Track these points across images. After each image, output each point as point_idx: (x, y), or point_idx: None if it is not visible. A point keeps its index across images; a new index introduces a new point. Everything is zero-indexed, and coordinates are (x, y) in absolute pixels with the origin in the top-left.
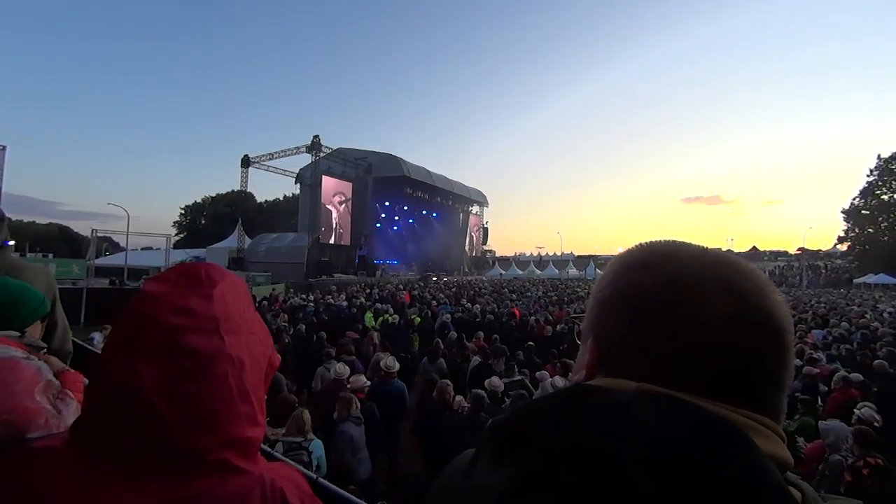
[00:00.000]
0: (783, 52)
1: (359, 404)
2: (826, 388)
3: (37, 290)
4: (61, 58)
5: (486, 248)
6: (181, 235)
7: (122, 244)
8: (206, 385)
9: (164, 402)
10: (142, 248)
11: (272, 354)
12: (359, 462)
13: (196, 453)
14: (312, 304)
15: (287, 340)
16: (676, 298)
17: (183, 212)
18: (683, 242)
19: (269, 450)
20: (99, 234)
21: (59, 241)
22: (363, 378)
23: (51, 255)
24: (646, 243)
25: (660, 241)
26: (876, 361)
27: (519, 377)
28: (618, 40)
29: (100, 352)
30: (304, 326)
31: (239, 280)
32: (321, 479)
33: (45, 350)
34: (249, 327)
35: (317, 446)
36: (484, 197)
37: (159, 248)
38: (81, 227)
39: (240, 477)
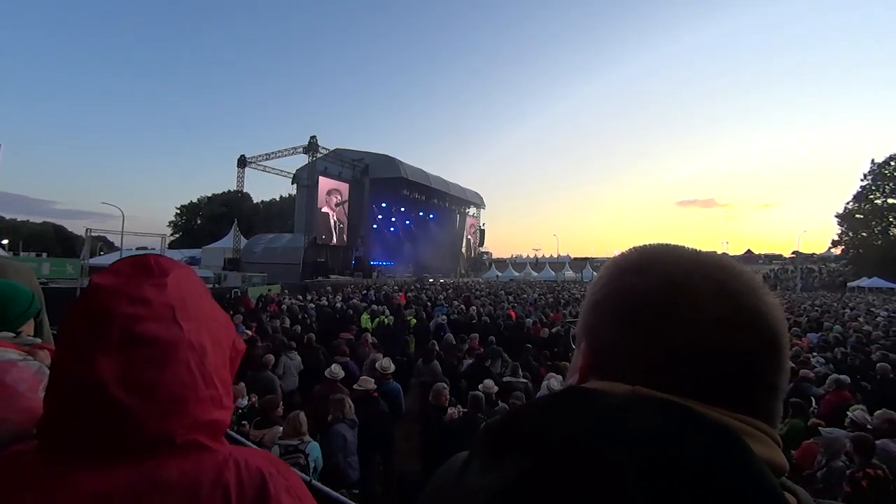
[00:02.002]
0: (778, 56)
1: (352, 405)
2: (821, 392)
3: (26, 288)
4: (56, 56)
5: (482, 249)
6: (177, 235)
7: (117, 244)
8: (168, 372)
9: (126, 392)
10: (137, 248)
11: (236, 339)
12: (348, 465)
13: (166, 439)
14: (313, 307)
15: (281, 341)
16: (669, 301)
17: (179, 212)
18: (676, 245)
19: (235, 436)
20: (93, 234)
21: (53, 240)
22: (371, 380)
23: (45, 255)
24: (638, 247)
25: (652, 245)
26: (879, 364)
27: (523, 380)
28: (614, 44)
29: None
30: (299, 328)
31: (190, 269)
32: (315, 482)
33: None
34: (207, 313)
35: (313, 448)
36: (481, 199)
37: (154, 249)
38: (76, 227)
39: (211, 456)
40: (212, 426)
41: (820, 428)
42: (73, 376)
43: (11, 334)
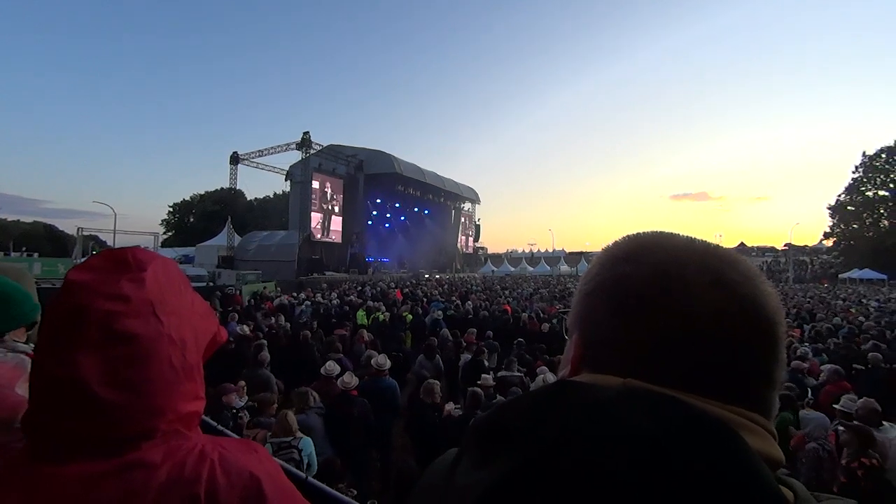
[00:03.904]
0: (770, 50)
1: (316, 397)
2: (814, 382)
3: (29, 296)
4: (47, 54)
5: (478, 245)
6: (169, 234)
7: (109, 243)
8: (150, 369)
9: (109, 390)
10: None
11: (217, 330)
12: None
13: (149, 433)
14: (310, 303)
15: (283, 340)
16: (662, 290)
17: (171, 210)
18: (670, 233)
19: (224, 430)
20: (85, 233)
21: (44, 239)
22: (354, 378)
23: (36, 255)
24: (632, 235)
25: (646, 233)
26: (871, 354)
27: (518, 374)
28: (608, 40)
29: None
30: (289, 325)
31: (169, 260)
32: (311, 479)
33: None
34: (188, 306)
35: (306, 444)
36: (476, 194)
37: (147, 247)
38: (67, 226)
39: (190, 442)
40: (189, 417)
41: (800, 413)
42: (53, 375)
43: None
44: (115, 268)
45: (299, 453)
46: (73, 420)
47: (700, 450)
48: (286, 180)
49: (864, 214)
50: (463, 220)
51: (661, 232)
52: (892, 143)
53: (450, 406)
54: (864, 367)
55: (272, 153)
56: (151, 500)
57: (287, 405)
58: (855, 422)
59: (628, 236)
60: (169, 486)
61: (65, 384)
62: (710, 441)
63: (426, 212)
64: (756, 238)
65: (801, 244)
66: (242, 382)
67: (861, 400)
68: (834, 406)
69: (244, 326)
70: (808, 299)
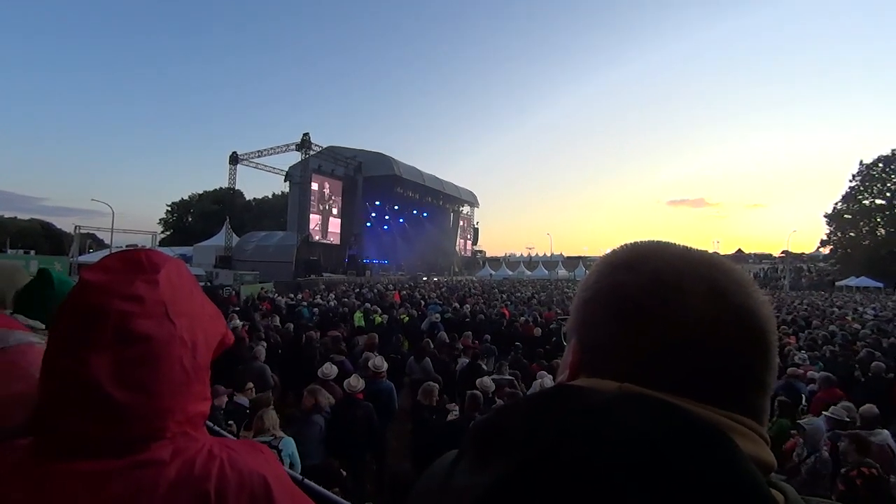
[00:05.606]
0: (768, 58)
1: (330, 396)
2: (811, 389)
3: None
4: (45, 53)
5: (476, 248)
6: (167, 233)
7: (107, 241)
8: (161, 369)
9: (121, 390)
10: (127, 246)
11: (226, 332)
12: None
13: (159, 434)
14: (306, 304)
15: (275, 339)
16: (659, 298)
17: (169, 209)
18: (667, 242)
19: (221, 431)
20: (82, 231)
21: (41, 237)
22: (361, 381)
23: (32, 252)
24: (630, 243)
25: (644, 241)
26: (874, 363)
27: (509, 376)
28: (607, 46)
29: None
30: (292, 326)
31: (180, 262)
32: (307, 481)
33: None
34: (198, 308)
35: (287, 444)
36: (474, 197)
37: (145, 246)
38: (64, 224)
39: (197, 443)
40: (196, 418)
41: (800, 420)
42: (66, 374)
43: (42, 326)
44: (129, 269)
45: (279, 453)
46: (83, 420)
47: (693, 453)
48: (285, 181)
49: (861, 223)
50: (462, 223)
51: (658, 241)
52: (889, 153)
53: (453, 415)
54: (864, 377)
55: (272, 154)
56: (161, 497)
57: (284, 403)
58: (851, 430)
59: (627, 245)
60: (179, 483)
61: (77, 383)
62: (703, 444)
63: (425, 214)
64: (753, 245)
65: (799, 251)
66: (251, 384)
67: (864, 406)
68: (824, 413)
69: (238, 322)
70: (804, 307)
